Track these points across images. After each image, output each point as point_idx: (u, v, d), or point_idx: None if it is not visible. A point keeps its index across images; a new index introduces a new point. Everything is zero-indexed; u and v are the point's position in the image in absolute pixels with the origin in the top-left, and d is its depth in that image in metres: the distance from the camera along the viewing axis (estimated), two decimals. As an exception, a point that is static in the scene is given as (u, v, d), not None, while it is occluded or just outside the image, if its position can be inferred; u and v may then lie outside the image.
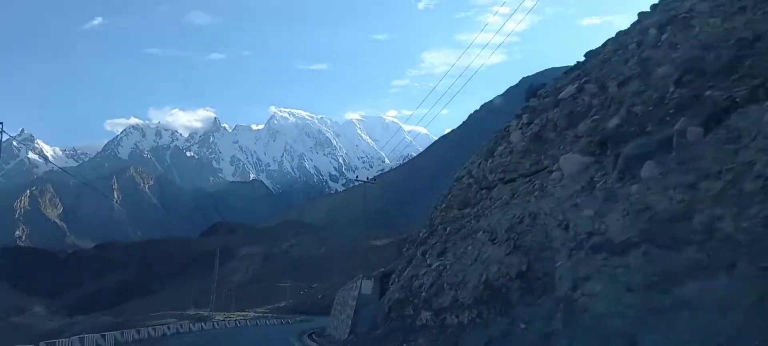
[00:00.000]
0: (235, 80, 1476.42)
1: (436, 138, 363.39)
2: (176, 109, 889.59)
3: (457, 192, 18.02)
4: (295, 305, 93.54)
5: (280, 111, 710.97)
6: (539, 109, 14.85)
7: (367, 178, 46.18)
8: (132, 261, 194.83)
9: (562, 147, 12.02)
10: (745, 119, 8.43)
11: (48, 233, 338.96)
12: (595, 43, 17.40)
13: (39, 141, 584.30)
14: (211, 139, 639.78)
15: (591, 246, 9.64)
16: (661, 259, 8.20)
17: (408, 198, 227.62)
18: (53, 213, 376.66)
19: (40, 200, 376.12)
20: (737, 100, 8.60)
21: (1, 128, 25.28)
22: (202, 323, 47.12)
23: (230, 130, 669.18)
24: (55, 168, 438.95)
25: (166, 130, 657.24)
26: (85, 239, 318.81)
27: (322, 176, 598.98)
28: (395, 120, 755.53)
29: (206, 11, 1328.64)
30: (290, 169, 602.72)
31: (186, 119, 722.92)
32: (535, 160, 13.70)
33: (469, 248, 13.55)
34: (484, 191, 15.70)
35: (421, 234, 21.56)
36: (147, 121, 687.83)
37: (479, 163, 17.10)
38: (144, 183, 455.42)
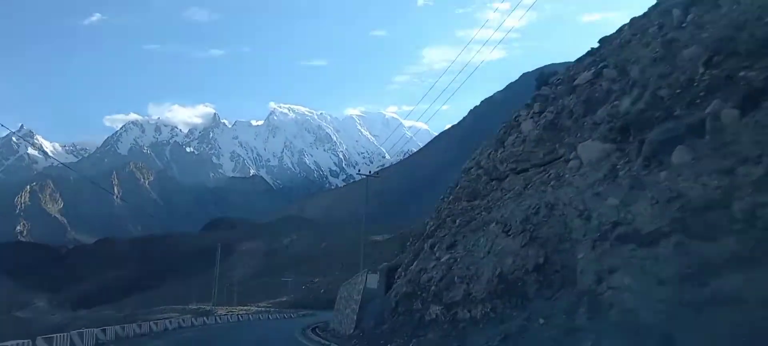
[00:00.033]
0: (234, 76, 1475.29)
1: (436, 134, 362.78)
2: (175, 105, 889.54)
3: (465, 183, 17.49)
4: (296, 299, 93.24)
5: (280, 107, 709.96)
6: (552, 97, 14.30)
7: (370, 171, 45.61)
8: (133, 256, 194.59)
9: (579, 135, 11.50)
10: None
11: (49, 228, 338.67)
12: (594, 40, 16.87)
13: (38, 137, 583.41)
14: (211, 135, 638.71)
15: (616, 237, 9.14)
16: (696, 250, 7.69)
17: (408, 194, 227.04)
18: (54, 209, 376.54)
19: (40, 195, 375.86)
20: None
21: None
22: (204, 318, 46.69)
23: (230, 126, 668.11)
24: (56, 163, 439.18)
25: (165, 126, 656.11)
26: (86, 235, 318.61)
27: (322, 171, 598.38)
28: (395, 116, 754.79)
29: (205, 7, 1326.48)
30: (290, 165, 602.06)
31: (185, 115, 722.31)
32: (549, 149, 13.18)
33: (481, 240, 13.06)
34: (494, 182, 15.19)
35: (427, 227, 21.06)
36: (146, 117, 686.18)
37: (489, 154, 16.56)
38: (144, 179, 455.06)
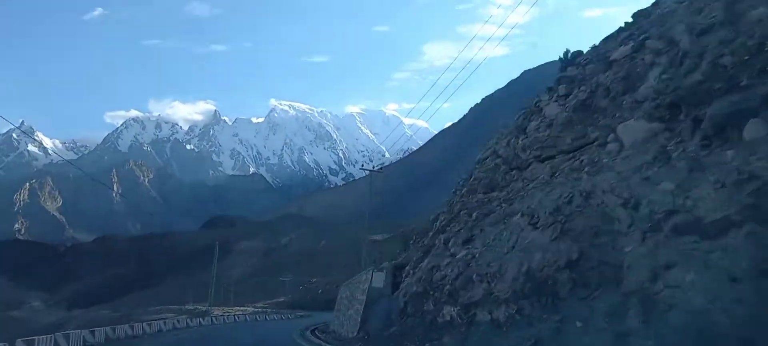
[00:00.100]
0: (235, 73, 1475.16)
1: (437, 132, 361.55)
2: (176, 102, 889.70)
3: (480, 175, 16.21)
4: (294, 300, 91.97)
5: (281, 104, 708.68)
6: (580, 78, 13.01)
7: (373, 166, 44.38)
8: (131, 254, 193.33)
9: (617, 115, 10.23)
10: None
11: (47, 226, 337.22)
12: (597, 36, 15.67)
13: (38, 133, 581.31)
14: (211, 132, 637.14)
15: (673, 227, 7.85)
16: (778, 240, 6.44)
17: (407, 193, 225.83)
18: (52, 206, 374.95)
19: (39, 192, 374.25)
20: None
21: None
22: (201, 319, 45.49)
23: (230, 123, 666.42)
24: (56, 160, 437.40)
25: (166, 122, 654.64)
26: (85, 232, 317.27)
27: (321, 169, 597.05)
28: (396, 114, 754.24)
29: (206, 3, 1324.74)
30: (290, 163, 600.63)
31: (186, 112, 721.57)
32: (578, 133, 11.89)
33: (504, 234, 11.81)
34: (514, 172, 13.91)
35: (436, 223, 19.79)
36: (147, 114, 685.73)
37: (508, 142, 15.27)
38: (144, 176, 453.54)
